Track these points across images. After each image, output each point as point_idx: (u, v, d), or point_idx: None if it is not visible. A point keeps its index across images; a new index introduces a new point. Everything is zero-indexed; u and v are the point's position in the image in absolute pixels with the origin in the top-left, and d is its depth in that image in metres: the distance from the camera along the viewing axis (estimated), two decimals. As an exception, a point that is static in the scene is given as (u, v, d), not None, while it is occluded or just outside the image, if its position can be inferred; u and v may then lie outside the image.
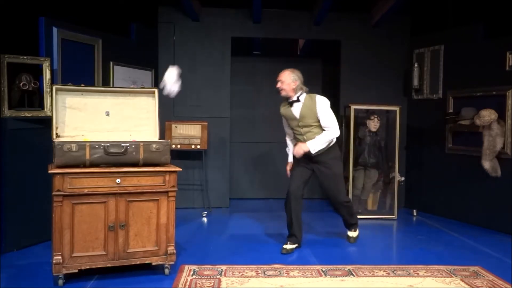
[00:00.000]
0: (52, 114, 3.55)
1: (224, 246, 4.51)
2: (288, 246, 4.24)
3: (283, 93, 4.22)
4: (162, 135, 4.90)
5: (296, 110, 4.22)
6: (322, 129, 4.19)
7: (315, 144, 4.14)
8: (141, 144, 3.46)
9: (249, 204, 6.58)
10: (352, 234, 4.62)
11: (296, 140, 4.34)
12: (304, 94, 4.22)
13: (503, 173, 4.96)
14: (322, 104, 4.17)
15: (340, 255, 4.24)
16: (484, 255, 4.24)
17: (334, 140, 4.28)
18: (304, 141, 4.20)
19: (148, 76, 5.69)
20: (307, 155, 4.20)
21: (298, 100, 4.21)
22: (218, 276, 3.56)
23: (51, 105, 3.59)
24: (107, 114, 3.76)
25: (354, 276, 3.62)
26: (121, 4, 5.34)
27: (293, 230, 4.30)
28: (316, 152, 4.17)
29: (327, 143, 4.20)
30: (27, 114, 4.12)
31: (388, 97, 6.08)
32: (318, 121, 4.17)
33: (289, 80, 4.18)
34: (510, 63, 4.92)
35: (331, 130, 4.16)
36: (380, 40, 6.29)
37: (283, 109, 4.34)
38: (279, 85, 4.22)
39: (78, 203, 3.29)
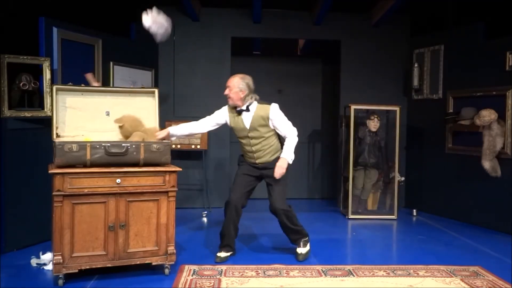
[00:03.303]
0: (52, 114, 3.55)
1: (224, 246, 4.51)
2: (223, 254, 4.01)
3: (230, 102, 3.94)
4: (162, 135, 4.90)
5: (246, 120, 3.93)
6: (273, 140, 3.99)
7: (290, 154, 3.91)
8: (142, 144, 3.46)
9: (249, 204, 6.53)
10: (300, 250, 4.08)
11: (244, 154, 4.10)
12: (255, 103, 3.93)
13: (503, 173, 4.96)
14: (276, 112, 3.92)
15: (340, 255, 4.24)
16: (484, 255, 4.24)
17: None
18: (253, 153, 3.99)
19: (148, 76, 5.69)
20: (254, 165, 4.02)
21: (247, 110, 3.92)
22: (218, 276, 3.56)
23: (51, 105, 3.59)
24: (107, 114, 3.76)
25: (354, 276, 3.62)
26: (121, 4, 5.34)
27: (229, 240, 4.06)
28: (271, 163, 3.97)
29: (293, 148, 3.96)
30: (27, 114, 4.11)
31: (388, 97, 6.08)
32: (271, 131, 3.96)
33: (237, 88, 3.87)
34: (510, 63, 4.92)
35: (293, 135, 3.94)
36: (380, 40, 6.29)
37: (230, 119, 4.00)
38: (226, 92, 3.92)
39: (78, 203, 3.28)
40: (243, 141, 4.02)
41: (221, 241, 4.10)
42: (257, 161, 4.02)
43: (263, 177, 4.07)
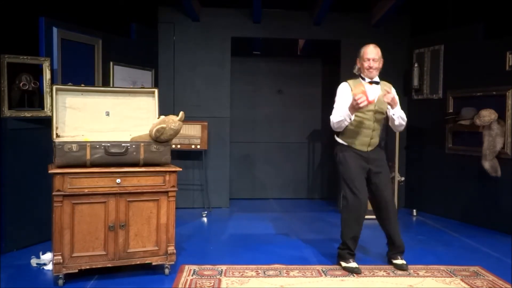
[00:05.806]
0: (52, 114, 3.54)
1: (224, 246, 4.52)
2: (355, 265, 3.69)
3: (375, 73, 3.67)
4: (162, 135, 4.90)
5: (375, 92, 3.63)
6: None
7: (400, 110, 3.66)
8: (142, 144, 3.46)
9: (249, 204, 6.58)
10: (401, 261, 3.79)
11: (354, 139, 3.69)
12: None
13: (503, 173, 4.96)
14: (394, 91, 3.76)
15: (340, 255, 4.23)
16: (484, 255, 4.24)
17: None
18: (372, 131, 3.67)
19: (148, 76, 5.69)
20: (365, 156, 3.70)
21: (377, 82, 3.71)
22: (218, 276, 3.56)
23: (51, 105, 3.58)
24: (107, 114, 3.76)
25: (354, 276, 3.62)
26: (121, 4, 5.34)
27: (356, 244, 3.77)
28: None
29: (401, 125, 3.76)
30: (27, 114, 4.11)
31: (388, 97, 6.07)
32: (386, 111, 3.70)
33: (382, 59, 3.70)
34: (510, 63, 4.92)
35: (404, 118, 3.75)
36: (380, 40, 6.22)
37: (355, 90, 3.55)
38: (375, 64, 3.63)
39: (78, 203, 3.29)
40: (365, 116, 3.62)
41: (349, 248, 3.72)
42: (369, 147, 3.69)
43: (368, 168, 3.71)
